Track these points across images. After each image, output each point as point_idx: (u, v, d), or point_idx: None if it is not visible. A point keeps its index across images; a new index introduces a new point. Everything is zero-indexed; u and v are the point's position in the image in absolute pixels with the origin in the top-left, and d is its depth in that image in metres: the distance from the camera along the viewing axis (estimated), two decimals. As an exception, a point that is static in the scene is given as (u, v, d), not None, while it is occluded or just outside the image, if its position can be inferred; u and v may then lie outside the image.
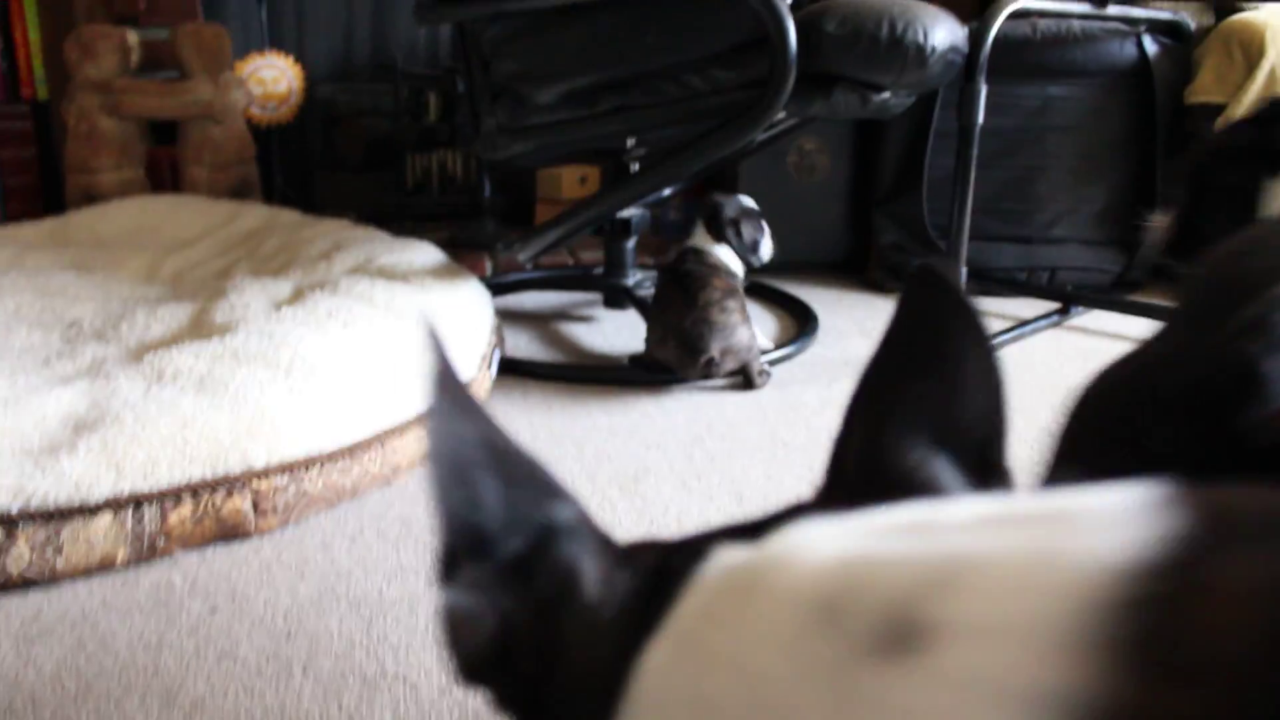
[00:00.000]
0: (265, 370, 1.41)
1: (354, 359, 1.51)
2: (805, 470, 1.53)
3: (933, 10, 1.68)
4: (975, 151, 1.87)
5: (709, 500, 1.43)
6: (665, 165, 1.78)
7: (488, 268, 2.60)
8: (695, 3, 1.63)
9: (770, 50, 1.60)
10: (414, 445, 1.48)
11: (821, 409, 1.77)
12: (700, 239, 1.93)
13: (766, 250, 1.99)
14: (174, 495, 1.23)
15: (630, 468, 1.53)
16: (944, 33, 1.67)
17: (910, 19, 1.62)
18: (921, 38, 1.62)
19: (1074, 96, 2.49)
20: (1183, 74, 2.52)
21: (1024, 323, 2.24)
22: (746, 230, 1.94)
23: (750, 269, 1.98)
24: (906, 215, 2.53)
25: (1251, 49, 2.37)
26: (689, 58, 1.67)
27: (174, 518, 1.23)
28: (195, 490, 1.25)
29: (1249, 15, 2.44)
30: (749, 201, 1.98)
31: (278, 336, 1.49)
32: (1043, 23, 2.44)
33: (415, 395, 1.52)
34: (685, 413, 1.74)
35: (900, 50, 1.61)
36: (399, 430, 1.47)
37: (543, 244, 1.90)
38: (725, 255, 1.92)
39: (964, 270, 1.93)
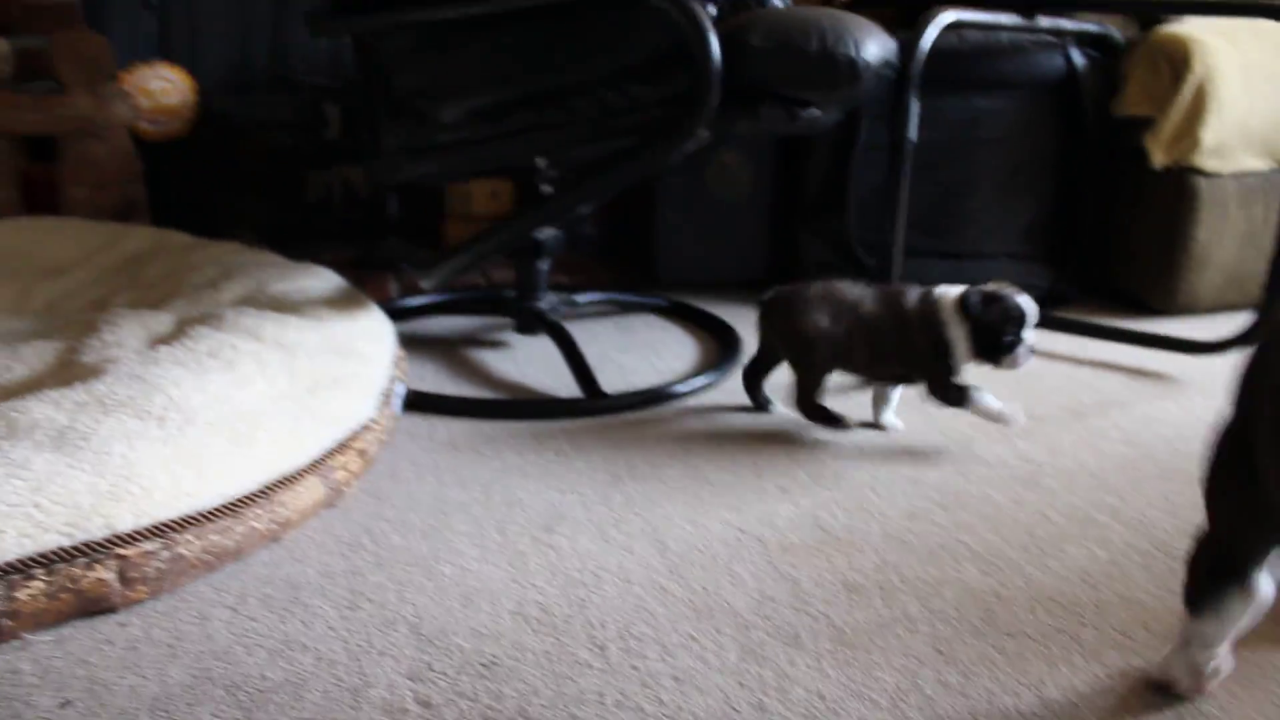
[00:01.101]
0: (134, 420, 1.27)
1: (237, 404, 1.37)
2: (731, 513, 1.42)
3: (863, 22, 1.59)
4: (908, 167, 1.78)
5: (628, 553, 1.32)
6: (584, 186, 1.66)
7: (394, 289, 2.46)
8: (609, 13, 1.51)
9: (692, 65, 1.49)
10: (305, 497, 1.35)
11: (747, 441, 1.67)
12: (946, 296, 1.63)
13: (1018, 360, 1.61)
14: (23, 569, 1.09)
15: (542, 515, 1.41)
16: (876, 46, 1.58)
17: (841, 31, 1.53)
18: (854, 51, 1.53)
19: (1002, 109, 2.42)
20: (1110, 87, 2.46)
21: (955, 343, 2.16)
22: (997, 313, 1.59)
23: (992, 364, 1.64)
24: (833, 232, 2.44)
25: (1177, 61, 2.32)
26: (604, 72, 1.56)
27: (23, 594, 1.09)
28: (49, 561, 1.10)
29: (1175, 28, 2.39)
30: (1029, 305, 1.60)
31: (150, 380, 1.34)
32: (970, 34, 2.37)
33: (306, 441, 1.39)
34: (603, 450, 1.63)
35: (832, 65, 1.52)
36: (288, 482, 1.33)
37: (453, 270, 1.77)
38: (956, 331, 1.61)
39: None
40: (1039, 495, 1.51)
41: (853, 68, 1.51)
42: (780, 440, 1.69)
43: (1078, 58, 2.42)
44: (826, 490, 1.51)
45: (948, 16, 1.78)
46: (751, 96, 1.58)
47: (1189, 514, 1.46)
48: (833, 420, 1.71)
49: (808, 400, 1.70)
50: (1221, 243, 2.39)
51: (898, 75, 1.73)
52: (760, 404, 1.79)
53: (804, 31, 1.52)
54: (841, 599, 1.23)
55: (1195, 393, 1.96)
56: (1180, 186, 2.37)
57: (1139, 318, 2.43)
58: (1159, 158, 2.35)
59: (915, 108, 1.76)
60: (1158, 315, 2.45)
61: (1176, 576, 1.23)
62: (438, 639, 1.13)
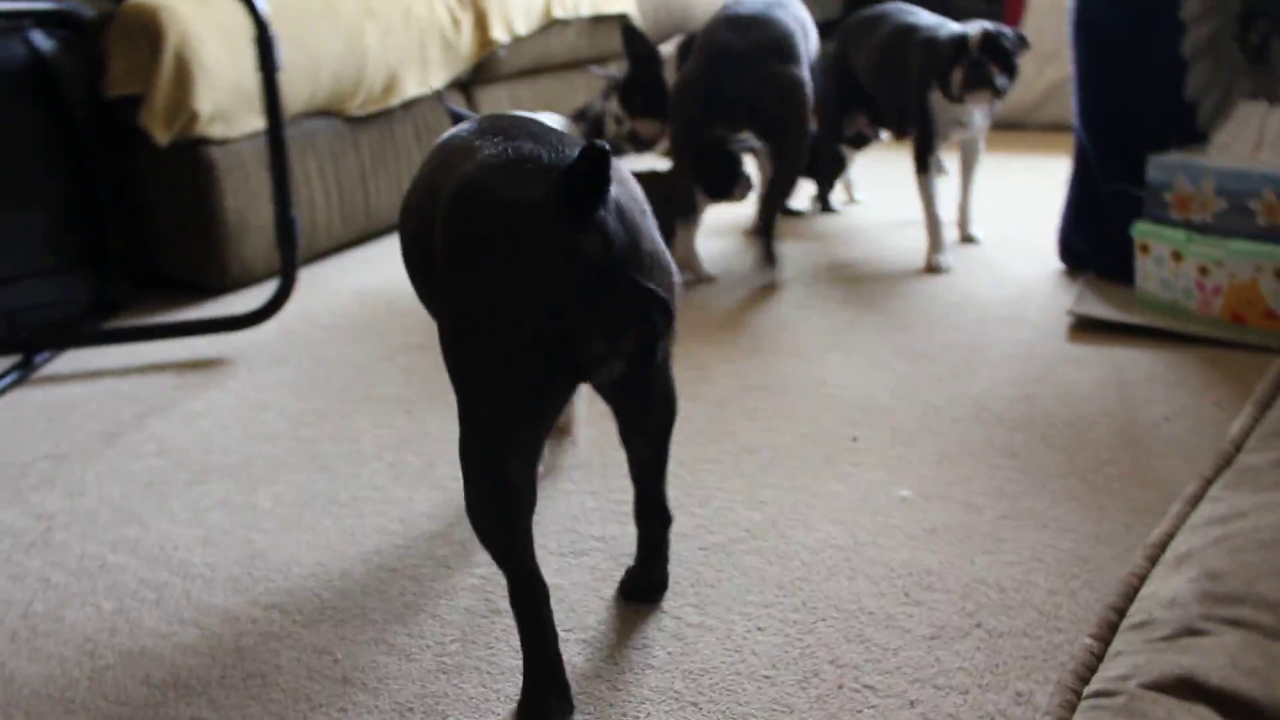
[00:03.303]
0: None
1: None
2: None
3: None
4: None
5: None
6: None
7: None
8: None
9: None
10: None
11: None
12: None
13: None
14: None
15: None
16: None
17: None
18: None
19: (-36, 110, 2.09)
20: (93, 68, 2.24)
21: (-23, 391, 1.84)
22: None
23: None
24: None
25: (152, 33, 2.16)
26: None
27: None
28: None
29: (144, 0, 2.23)
30: None
31: None
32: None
33: None
34: None
35: None
36: None
37: None
38: None
39: None
40: (44, 559, 1.29)
41: None
42: None
43: (44, 41, 2.16)
44: None
45: None
46: None
47: (216, 519, 1.35)
48: None
49: None
50: (255, 206, 2.33)
51: None
52: None
53: None
54: None
55: (242, 370, 1.86)
56: (194, 160, 2.24)
57: (200, 302, 2.29)
58: (160, 135, 2.20)
59: None
60: (219, 294, 2.33)
61: (139, 599, 1.10)
62: None
